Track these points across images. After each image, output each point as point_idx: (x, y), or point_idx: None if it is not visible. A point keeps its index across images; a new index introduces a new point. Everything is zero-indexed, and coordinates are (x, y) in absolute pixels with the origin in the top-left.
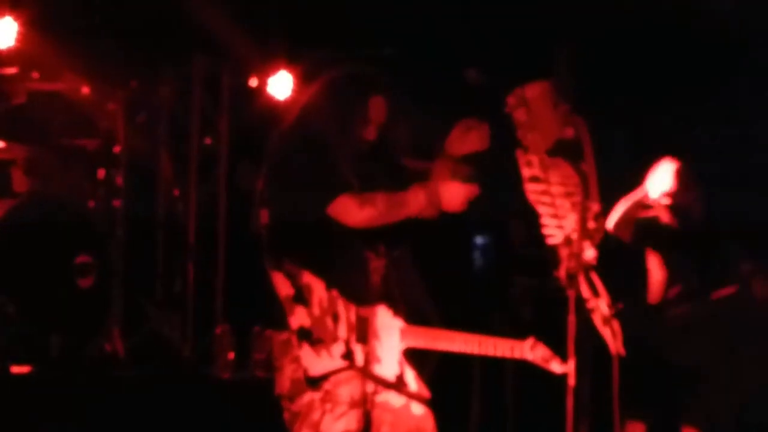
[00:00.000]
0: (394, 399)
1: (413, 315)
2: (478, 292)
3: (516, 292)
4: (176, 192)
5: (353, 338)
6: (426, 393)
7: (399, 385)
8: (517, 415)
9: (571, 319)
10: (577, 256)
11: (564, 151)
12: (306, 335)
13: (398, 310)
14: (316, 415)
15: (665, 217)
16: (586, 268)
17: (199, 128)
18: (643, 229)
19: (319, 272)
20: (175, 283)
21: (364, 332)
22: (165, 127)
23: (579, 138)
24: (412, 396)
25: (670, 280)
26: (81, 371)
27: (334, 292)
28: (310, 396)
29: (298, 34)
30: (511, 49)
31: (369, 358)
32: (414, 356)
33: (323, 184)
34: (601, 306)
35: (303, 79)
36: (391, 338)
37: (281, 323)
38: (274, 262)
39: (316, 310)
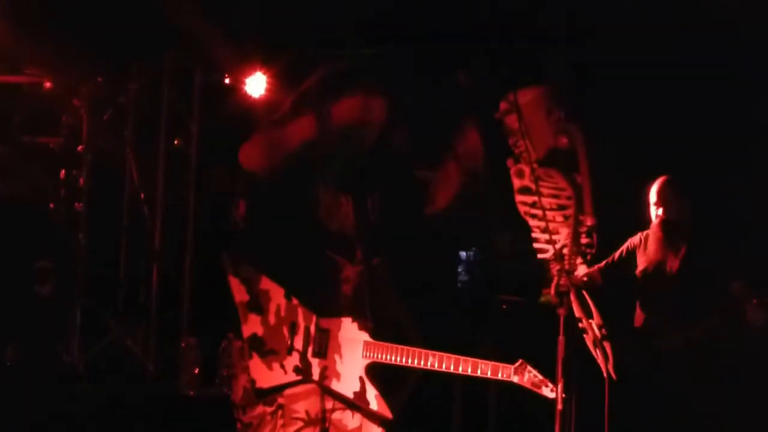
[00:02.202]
0: (349, 420)
1: (384, 329)
2: (461, 308)
3: (501, 310)
4: (142, 195)
5: (310, 351)
6: (387, 413)
7: (358, 403)
8: None
9: (561, 339)
10: (569, 273)
11: (557, 161)
12: (257, 345)
13: (364, 323)
14: (266, 430)
15: (656, 234)
16: (578, 286)
17: (168, 128)
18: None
19: (283, 277)
20: (139, 292)
21: (323, 345)
22: (132, 126)
23: (574, 148)
24: (372, 415)
25: (660, 305)
26: (37, 384)
27: (295, 301)
28: (261, 409)
29: (272, 32)
30: (505, 51)
31: (327, 372)
32: (391, 376)
33: (308, 185)
34: (593, 327)
35: (279, 79)
36: (354, 353)
37: (236, 329)
38: (232, 266)
39: (272, 319)
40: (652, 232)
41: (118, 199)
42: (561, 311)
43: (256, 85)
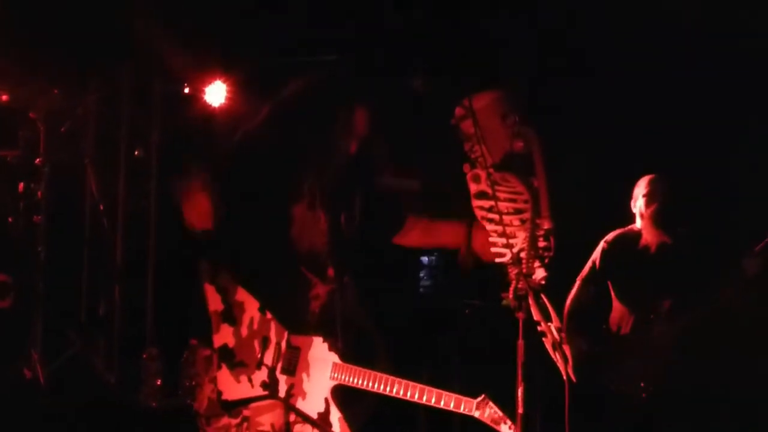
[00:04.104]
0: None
1: (353, 350)
2: (424, 314)
3: (464, 315)
4: (101, 207)
5: (279, 367)
6: None
7: (321, 424)
8: None
9: (520, 343)
10: (527, 276)
11: (513, 165)
12: (227, 356)
13: (335, 343)
14: None
15: (650, 235)
16: (536, 290)
17: (127, 139)
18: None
19: (257, 291)
20: (100, 305)
21: (293, 362)
22: (90, 138)
23: (529, 151)
24: None
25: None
26: None
27: (269, 315)
28: (227, 420)
29: (231, 40)
30: (460, 56)
31: (294, 391)
32: (349, 396)
33: (284, 195)
34: (552, 330)
35: (239, 87)
36: (322, 373)
37: (206, 339)
38: (210, 273)
39: (244, 331)
40: (646, 223)
41: (78, 212)
42: (520, 315)
43: (216, 94)
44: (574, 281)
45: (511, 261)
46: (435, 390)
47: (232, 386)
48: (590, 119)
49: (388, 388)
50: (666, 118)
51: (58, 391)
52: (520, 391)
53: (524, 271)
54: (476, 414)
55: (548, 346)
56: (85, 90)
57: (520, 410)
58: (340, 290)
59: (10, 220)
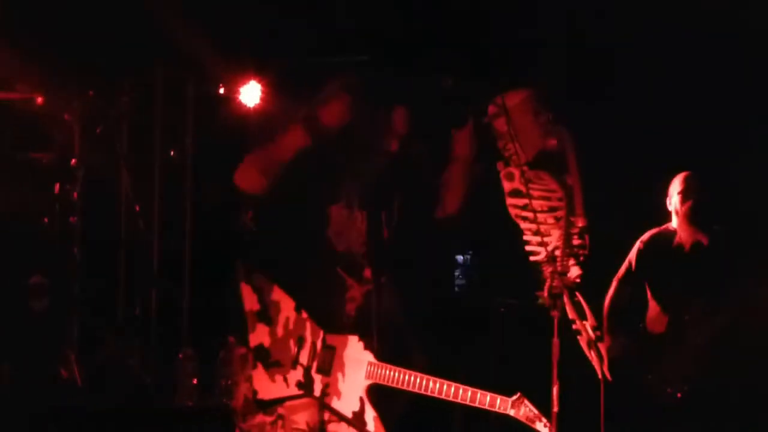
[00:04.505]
0: (344, 428)
1: (389, 349)
2: (459, 313)
3: (499, 313)
4: (137, 208)
5: (315, 367)
6: None
7: (356, 423)
8: None
9: (555, 341)
10: (562, 274)
11: (547, 163)
12: (263, 355)
13: (370, 343)
14: None
15: (685, 233)
16: (571, 288)
17: (162, 140)
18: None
19: (293, 290)
20: (137, 306)
21: (328, 362)
22: (125, 139)
23: (563, 149)
24: None
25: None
26: (34, 400)
27: (304, 314)
28: (261, 418)
29: (265, 41)
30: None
31: (329, 390)
32: (383, 395)
33: (321, 196)
34: (587, 328)
35: (273, 88)
36: (358, 372)
37: (243, 337)
38: (245, 273)
39: (280, 331)
40: (681, 220)
41: (114, 213)
42: (554, 313)
43: (251, 94)
44: (610, 279)
45: (545, 259)
46: (470, 388)
47: (268, 385)
48: (626, 116)
49: (423, 387)
50: (703, 115)
51: (94, 392)
52: (555, 390)
53: (559, 269)
54: (512, 412)
55: (583, 345)
56: (119, 91)
57: (555, 409)
58: (377, 291)
59: (45, 221)
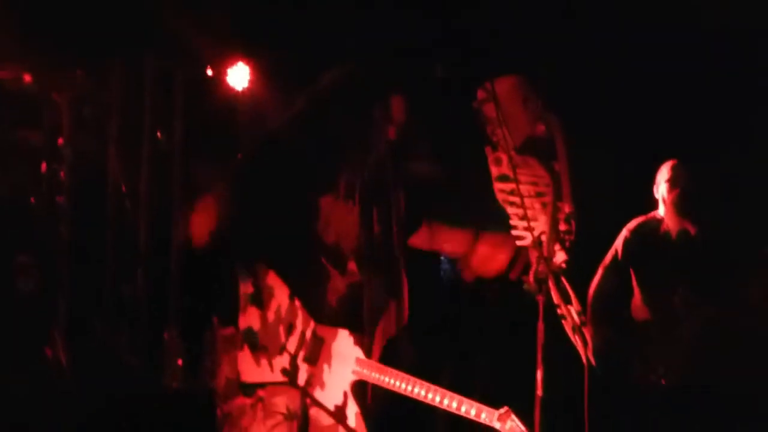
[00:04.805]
0: (324, 417)
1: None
2: (445, 300)
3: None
4: (124, 188)
5: (302, 355)
6: None
7: (338, 417)
8: None
9: (540, 326)
10: (547, 259)
11: (535, 148)
12: (251, 338)
13: (361, 338)
14: (245, 421)
15: (671, 221)
16: (557, 273)
17: (150, 121)
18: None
19: (287, 277)
20: (124, 287)
21: (316, 352)
22: (114, 120)
23: (551, 135)
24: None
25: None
26: (21, 381)
27: (297, 303)
28: (242, 400)
29: (255, 22)
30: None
31: (313, 380)
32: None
33: (311, 186)
34: (572, 313)
35: (262, 70)
36: (344, 366)
37: (229, 318)
38: (239, 256)
39: (271, 316)
40: (667, 209)
41: (101, 193)
42: (540, 298)
43: (239, 76)
44: (595, 264)
45: (531, 244)
46: (456, 396)
47: (252, 368)
48: (614, 104)
49: (409, 389)
50: (692, 103)
51: (80, 373)
52: (539, 374)
53: (545, 254)
54: (497, 425)
55: (568, 330)
56: (108, 72)
57: (539, 393)
58: (362, 285)
59: (32, 200)
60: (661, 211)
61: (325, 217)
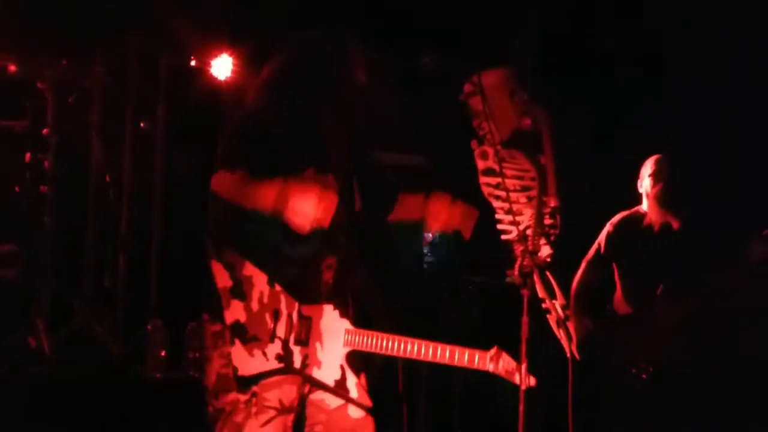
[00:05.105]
0: (331, 399)
1: (364, 316)
2: (426, 290)
3: (466, 291)
4: (108, 178)
5: (292, 338)
6: (367, 401)
7: (338, 390)
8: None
9: (524, 320)
10: (532, 253)
11: (521, 142)
12: (240, 332)
13: (346, 310)
14: (239, 417)
15: (655, 216)
16: (542, 267)
17: (134, 110)
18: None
19: (263, 264)
20: (106, 275)
21: (305, 333)
22: (97, 109)
23: (537, 129)
24: (352, 403)
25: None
26: (2, 368)
27: (278, 287)
28: (234, 396)
29: (239, 12)
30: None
31: (308, 361)
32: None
33: (290, 167)
34: (556, 307)
35: (246, 61)
36: (335, 341)
37: (217, 315)
38: (215, 250)
39: (255, 305)
40: (651, 203)
41: (85, 182)
42: (524, 292)
43: (223, 67)
44: (580, 259)
45: (517, 238)
46: (448, 346)
47: (247, 361)
48: (600, 98)
49: (401, 350)
50: (676, 98)
51: (62, 361)
52: (523, 368)
53: (530, 248)
54: (490, 367)
55: (552, 324)
56: (92, 61)
57: (524, 387)
58: (348, 260)
59: (16, 189)
60: (644, 205)
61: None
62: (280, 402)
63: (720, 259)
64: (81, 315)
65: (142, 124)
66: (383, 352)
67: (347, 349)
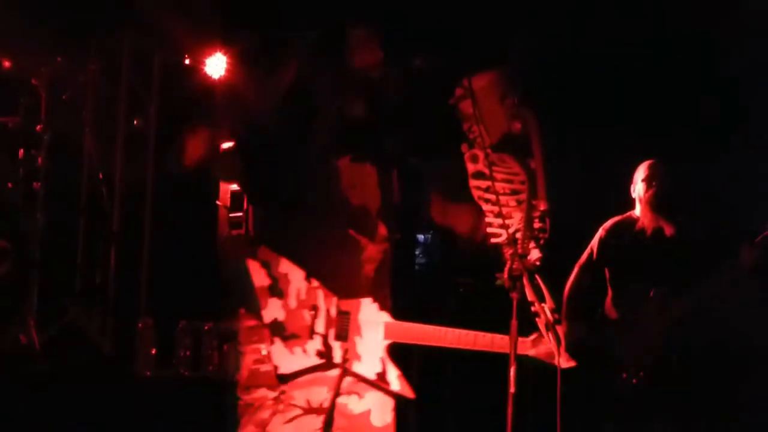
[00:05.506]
0: (354, 404)
1: (402, 308)
2: (418, 291)
3: (458, 293)
4: (101, 175)
5: (332, 334)
6: (410, 393)
7: (380, 384)
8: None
9: (514, 323)
10: (522, 257)
11: (511, 146)
12: (279, 329)
13: (385, 303)
14: (264, 414)
15: (647, 220)
16: (531, 270)
17: (127, 108)
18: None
19: (302, 259)
20: (97, 272)
21: (344, 327)
22: (91, 106)
23: (527, 133)
24: (394, 395)
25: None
26: None
27: (315, 283)
28: (264, 392)
29: (232, 11)
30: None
31: (348, 355)
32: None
33: (326, 153)
34: (545, 311)
35: (239, 59)
36: (375, 334)
37: (252, 310)
38: (250, 249)
39: (292, 302)
40: (643, 207)
41: (77, 180)
42: (514, 295)
43: (216, 65)
44: (570, 262)
45: (506, 241)
46: (488, 334)
47: (288, 358)
48: (593, 104)
49: (441, 339)
50: (670, 103)
51: (53, 358)
52: (512, 371)
53: (519, 251)
54: (531, 352)
55: (541, 327)
56: (86, 59)
57: (512, 390)
58: (391, 250)
59: (9, 186)
60: (637, 210)
61: (348, 179)
62: (308, 402)
63: (712, 264)
64: (72, 312)
65: (135, 122)
66: (424, 342)
67: (387, 342)
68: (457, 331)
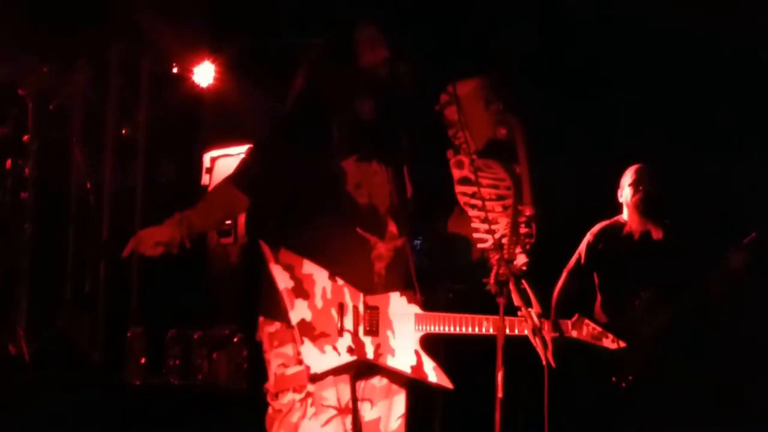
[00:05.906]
0: (366, 410)
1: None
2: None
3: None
4: (89, 184)
5: (361, 330)
6: (448, 383)
7: (417, 376)
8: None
9: (501, 327)
10: (508, 262)
11: (496, 152)
12: (308, 330)
13: (413, 296)
14: (294, 417)
15: (635, 225)
16: (517, 276)
17: (115, 117)
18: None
19: (322, 259)
20: (86, 282)
21: (374, 323)
22: (78, 115)
23: (512, 139)
24: (433, 386)
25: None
26: None
27: (340, 281)
28: (291, 396)
29: (220, 20)
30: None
31: (381, 350)
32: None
33: (334, 153)
34: (532, 316)
35: (227, 68)
36: (407, 327)
37: (273, 315)
38: (272, 253)
39: (319, 302)
40: (631, 212)
41: (65, 189)
42: (500, 300)
43: (205, 74)
44: (556, 267)
45: (492, 247)
46: (513, 319)
47: (319, 358)
48: (579, 108)
49: (477, 328)
50: (657, 108)
51: (42, 368)
52: (499, 376)
53: (505, 256)
54: (573, 334)
55: (528, 332)
56: (74, 68)
57: (500, 395)
58: (403, 247)
59: None
60: (624, 215)
61: (355, 179)
62: (338, 401)
63: (700, 267)
64: (61, 321)
65: (123, 131)
66: (457, 331)
67: (420, 334)
68: (491, 318)
